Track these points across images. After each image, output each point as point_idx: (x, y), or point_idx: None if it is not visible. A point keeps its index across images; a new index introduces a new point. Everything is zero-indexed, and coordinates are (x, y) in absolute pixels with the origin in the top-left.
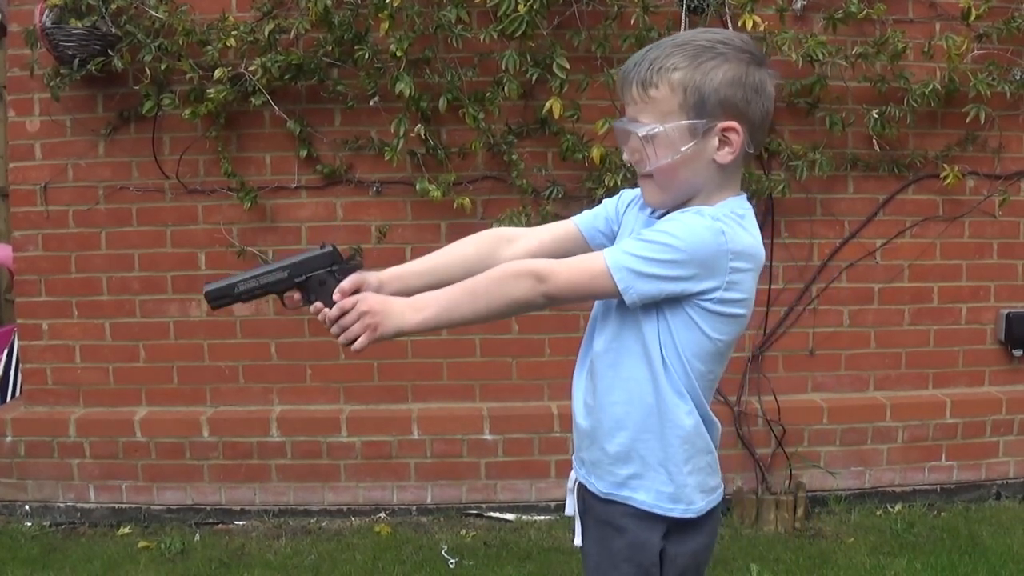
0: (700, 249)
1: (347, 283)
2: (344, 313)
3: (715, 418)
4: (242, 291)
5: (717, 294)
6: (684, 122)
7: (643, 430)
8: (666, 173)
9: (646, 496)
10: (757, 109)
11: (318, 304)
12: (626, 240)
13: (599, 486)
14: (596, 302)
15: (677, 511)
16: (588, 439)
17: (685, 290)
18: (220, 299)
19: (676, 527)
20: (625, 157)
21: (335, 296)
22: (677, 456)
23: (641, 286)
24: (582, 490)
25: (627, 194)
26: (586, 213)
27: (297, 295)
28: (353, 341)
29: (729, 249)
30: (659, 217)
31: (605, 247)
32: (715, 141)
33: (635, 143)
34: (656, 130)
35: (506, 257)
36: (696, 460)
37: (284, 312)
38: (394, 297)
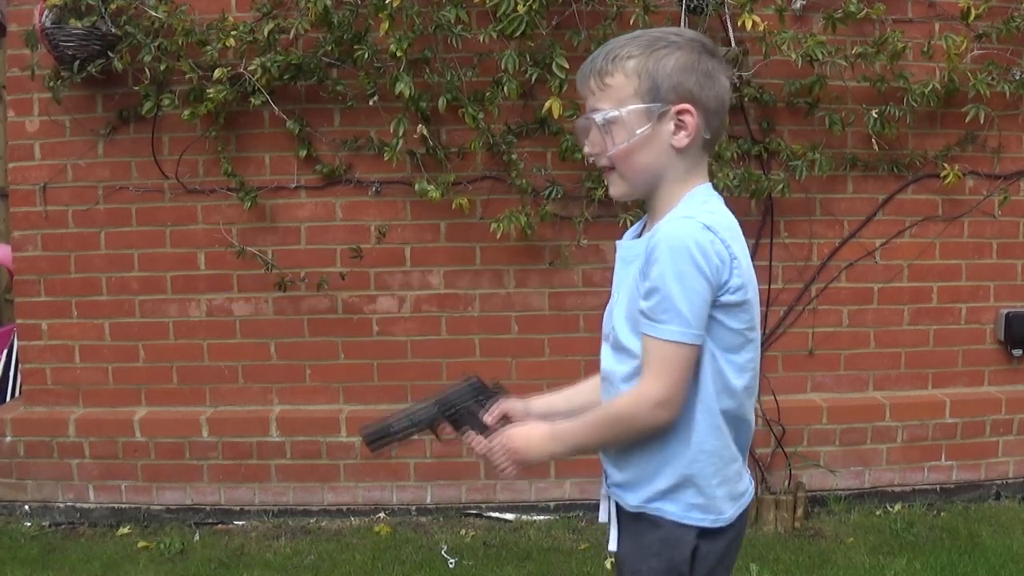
0: (705, 263)
1: (497, 412)
2: (492, 449)
3: (750, 418)
4: (397, 431)
5: (732, 282)
6: (640, 106)
7: (671, 450)
8: (624, 159)
9: (675, 508)
10: (710, 95)
11: (470, 433)
12: (654, 311)
13: (628, 500)
14: (611, 320)
15: (707, 521)
16: (616, 458)
17: (714, 299)
18: (378, 441)
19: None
20: (586, 150)
21: (488, 423)
22: (706, 471)
23: (700, 323)
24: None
25: (626, 246)
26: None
27: (449, 427)
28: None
29: (727, 248)
30: (648, 248)
31: None
32: (671, 126)
33: (595, 135)
34: (612, 114)
35: None
36: (724, 471)
37: (284, 312)
38: (537, 426)
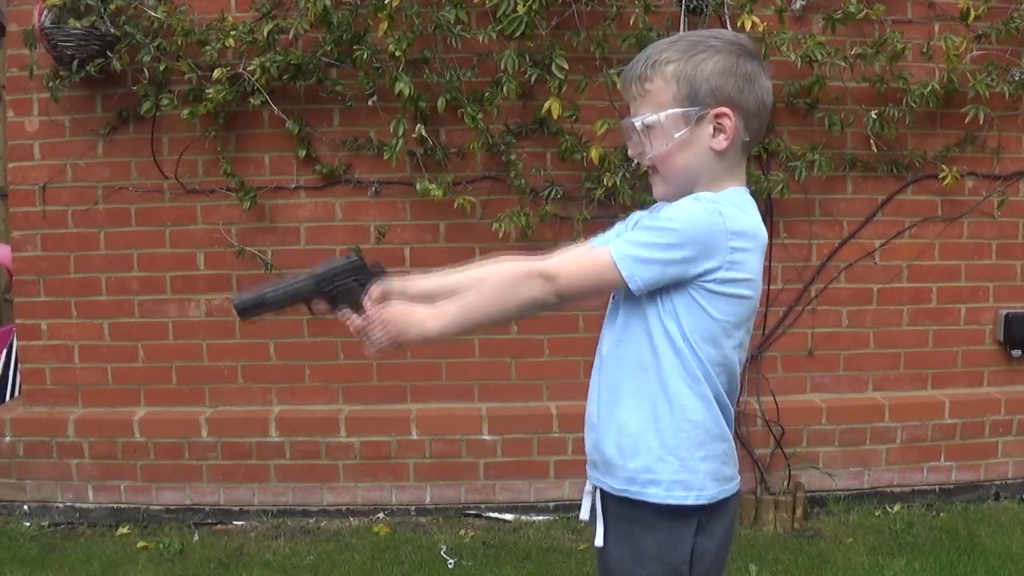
0: (697, 230)
1: (376, 292)
2: (370, 323)
3: (730, 405)
4: (271, 301)
5: (719, 274)
6: (678, 110)
7: (655, 419)
8: (664, 161)
9: (657, 489)
10: (750, 98)
11: (346, 311)
12: (628, 231)
13: (612, 483)
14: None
15: (691, 498)
16: (600, 437)
17: (686, 272)
18: (250, 310)
19: (702, 520)
20: (630, 152)
21: (365, 305)
22: (689, 442)
23: (644, 272)
24: (601, 491)
25: (636, 215)
26: (599, 236)
27: (324, 304)
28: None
29: (727, 228)
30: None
31: None
32: (709, 128)
33: (636, 138)
34: (651, 118)
35: None
36: (710, 447)
37: (283, 312)
38: (417, 306)
